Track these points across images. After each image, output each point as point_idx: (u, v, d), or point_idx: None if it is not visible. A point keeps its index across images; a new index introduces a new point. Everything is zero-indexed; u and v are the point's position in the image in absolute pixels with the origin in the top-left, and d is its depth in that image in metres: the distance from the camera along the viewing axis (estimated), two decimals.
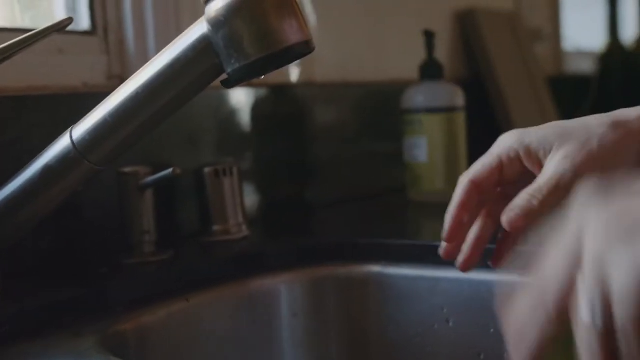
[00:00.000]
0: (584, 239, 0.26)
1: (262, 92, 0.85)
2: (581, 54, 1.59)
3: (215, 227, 0.70)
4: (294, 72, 0.90)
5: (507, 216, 0.43)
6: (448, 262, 0.62)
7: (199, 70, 0.46)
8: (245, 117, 0.82)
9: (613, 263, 0.24)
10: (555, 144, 0.44)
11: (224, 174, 0.70)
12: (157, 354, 0.55)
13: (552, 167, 0.43)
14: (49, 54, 0.67)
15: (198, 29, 0.46)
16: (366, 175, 0.97)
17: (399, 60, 1.03)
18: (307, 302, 0.64)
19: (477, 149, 1.10)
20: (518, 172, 0.46)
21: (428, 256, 0.62)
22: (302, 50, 0.46)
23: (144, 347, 0.54)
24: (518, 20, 1.32)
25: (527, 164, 0.45)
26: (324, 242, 0.67)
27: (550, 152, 0.44)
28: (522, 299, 0.28)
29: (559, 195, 0.43)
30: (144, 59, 0.66)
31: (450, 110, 0.89)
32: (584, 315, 0.25)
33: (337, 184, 0.93)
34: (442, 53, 1.14)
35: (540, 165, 0.45)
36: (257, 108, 0.84)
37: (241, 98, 0.82)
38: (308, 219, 0.84)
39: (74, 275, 0.61)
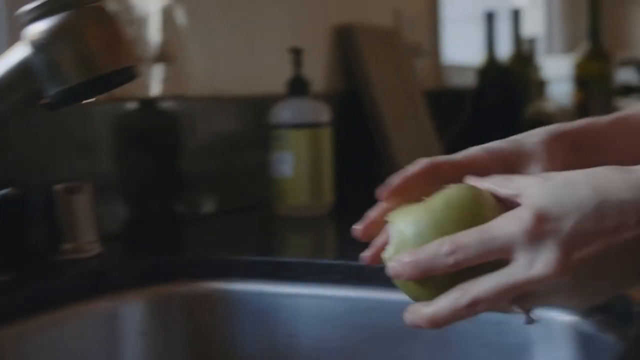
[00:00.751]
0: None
1: (131, 106, 0.85)
2: (460, 68, 1.67)
3: (66, 246, 0.69)
4: (164, 86, 0.90)
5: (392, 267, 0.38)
6: (290, 277, 0.64)
7: (18, 93, 0.46)
8: (112, 132, 0.82)
9: None
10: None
11: (75, 192, 0.70)
12: None
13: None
14: None
15: (19, 52, 0.46)
16: (235, 189, 0.98)
17: (272, 75, 1.05)
18: (154, 320, 0.64)
19: (353, 162, 1.13)
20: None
21: (272, 272, 0.64)
22: (125, 75, 0.46)
23: None
24: (397, 36, 1.36)
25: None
26: (172, 259, 0.68)
27: None
28: None
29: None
30: None
31: (315, 126, 0.91)
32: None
33: (206, 198, 0.94)
34: (318, 68, 1.16)
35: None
36: (125, 122, 0.83)
37: (108, 112, 0.81)
38: (172, 235, 0.84)
39: None
